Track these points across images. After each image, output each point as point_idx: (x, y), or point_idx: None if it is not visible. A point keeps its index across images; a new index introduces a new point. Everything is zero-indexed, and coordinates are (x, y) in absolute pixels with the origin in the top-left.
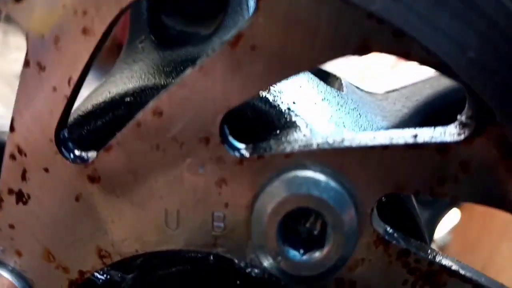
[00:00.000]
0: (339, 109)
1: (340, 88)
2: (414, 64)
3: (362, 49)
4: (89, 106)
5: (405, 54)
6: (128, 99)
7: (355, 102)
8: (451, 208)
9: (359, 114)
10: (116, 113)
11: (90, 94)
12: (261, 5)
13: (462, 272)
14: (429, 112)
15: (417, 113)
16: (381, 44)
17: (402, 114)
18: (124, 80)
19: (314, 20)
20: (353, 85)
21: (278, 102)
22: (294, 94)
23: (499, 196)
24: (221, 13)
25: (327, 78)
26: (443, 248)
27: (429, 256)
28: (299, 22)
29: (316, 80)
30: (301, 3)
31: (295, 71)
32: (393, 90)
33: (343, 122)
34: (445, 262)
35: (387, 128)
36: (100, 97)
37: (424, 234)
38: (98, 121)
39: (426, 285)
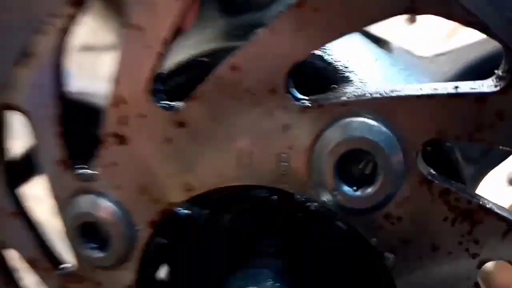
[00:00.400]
0: (390, 68)
1: (390, 51)
2: (468, 34)
3: (411, 9)
4: (172, 65)
5: (448, 14)
6: (205, 59)
7: (405, 64)
8: (495, 167)
9: (409, 74)
10: (196, 71)
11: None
12: None
13: (497, 211)
14: (475, 75)
15: (464, 75)
16: (426, 4)
17: (449, 76)
18: (200, 43)
19: None
20: (403, 49)
21: (335, 60)
22: (349, 53)
23: None
24: None
25: (377, 42)
26: None
27: (468, 196)
28: None
29: (368, 42)
30: None
31: (353, 28)
32: (441, 54)
33: (393, 79)
34: (483, 201)
35: None
36: (180, 57)
37: (464, 180)
38: (181, 78)
39: (465, 221)
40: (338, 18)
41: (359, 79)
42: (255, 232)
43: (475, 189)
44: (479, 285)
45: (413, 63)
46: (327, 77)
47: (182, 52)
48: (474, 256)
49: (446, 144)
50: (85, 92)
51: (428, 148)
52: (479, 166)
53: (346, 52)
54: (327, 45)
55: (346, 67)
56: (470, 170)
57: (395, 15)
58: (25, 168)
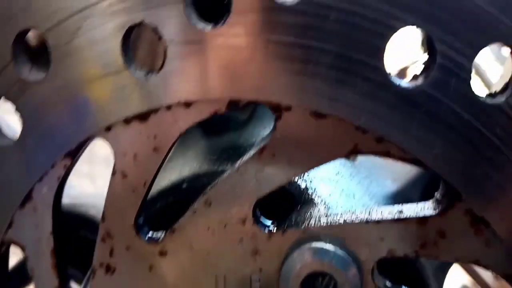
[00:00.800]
0: (351, 180)
1: (354, 158)
2: None
3: (354, 151)
4: (154, 191)
5: (387, 153)
6: (184, 185)
7: (368, 169)
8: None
9: (370, 181)
10: (176, 196)
11: None
12: (278, 125)
13: None
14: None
15: (425, 173)
16: (367, 147)
17: (411, 176)
18: (180, 167)
19: (315, 135)
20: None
21: (299, 182)
22: (312, 173)
23: (473, 255)
24: None
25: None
26: None
27: None
28: (305, 138)
29: None
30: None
31: (306, 169)
32: None
33: (353, 193)
34: None
35: (397, 191)
36: (162, 183)
37: (427, 282)
38: (163, 204)
39: None
40: (293, 161)
41: (320, 199)
42: None
43: (445, 275)
44: None
45: (377, 165)
46: (292, 197)
47: (164, 177)
48: None
49: None
50: (78, 203)
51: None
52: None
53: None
54: None
55: (308, 188)
56: (435, 263)
57: (340, 157)
58: None
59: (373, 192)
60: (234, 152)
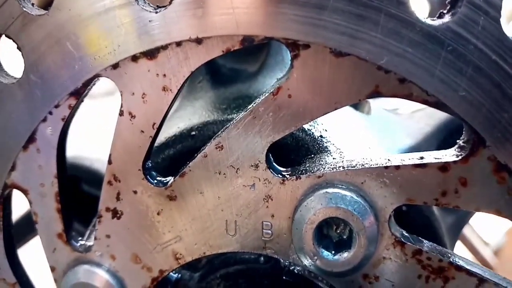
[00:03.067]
0: (366, 132)
1: (368, 111)
2: None
3: (375, 94)
4: (162, 138)
5: (408, 95)
6: (193, 133)
7: (381, 124)
8: (474, 214)
9: (384, 135)
10: (185, 144)
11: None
12: (295, 64)
13: (467, 267)
14: (449, 130)
15: (439, 130)
16: (389, 89)
17: (425, 132)
18: (189, 116)
19: (335, 75)
20: (382, 109)
21: (313, 130)
22: (326, 122)
23: (494, 204)
24: (263, 53)
25: (358, 105)
26: (498, 251)
27: (439, 255)
28: (324, 78)
29: (346, 107)
30: (323, 62)
31: (322, 114)
32: (418, 110)
33: (368, 145)
34: (453, 259)
35: (410, 145)
36: (170, 130)
37: (440, 236)
38: (171, 150)
39: (438, 278)
40: (310, 103)
41: (335, 148)
42: None
43: (457, 237)
44: None
45: (390, 121)
46: (305, 147)
47: (172, 125)
48: None
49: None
50: (81, 156)
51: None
52: (459, 215)
53: (323, 120)
54: None
55: (322, 137)
56: (451, 219)
57: (362, 99)
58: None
59: (387, 145)
60: (244, 102)
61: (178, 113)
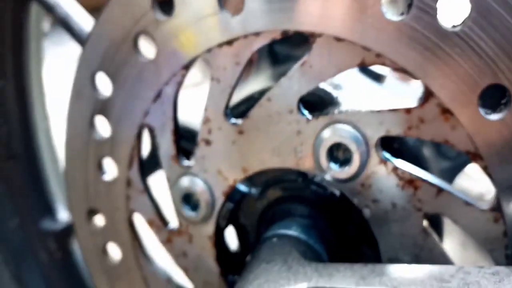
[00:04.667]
0: (372, 93)
1: (383, 81)
2: None
3: (361, 63)
4: (238, 99)
5: (383, 63)
6: (256, 95)
7: (390, 90)
8: (467, 164)
9: (390, 98)
10: (252, 102)
11: (240, 90)
12: (313, 47)
13: (429, 179)
14: None
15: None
16: (370, 60)
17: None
18: (254, 84)
19: (337, 52)
20: (394, 80)
21: (330, 90)
22: (343, 85)
23: (443, 136)
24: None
25: (377, 77)
26: None
27: (410, 170)
28: (330, 54)
29: (363, 76)
30: (329, 45)
31: (331, 75)
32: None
33: (370, 99)
34: (420, 174)
35: None
36: (244, 92)
37: (427, 166)
38: (243, 107)
39: (410, 187)
40: (323, 69)
41: (343, 100)
42: (289, 201)
43: (453, 178)
44: (429, 229)
45: (399, 88)
46: (326, 101)
47: (244, 91)
48: (419, 210)
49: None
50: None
51: (394, 145)
52: (455, 162)
53: (341, 84)
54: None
55: (337, 96)
56: (447, 164)
57: (354, 66)
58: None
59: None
60: None
61: (248, 82)
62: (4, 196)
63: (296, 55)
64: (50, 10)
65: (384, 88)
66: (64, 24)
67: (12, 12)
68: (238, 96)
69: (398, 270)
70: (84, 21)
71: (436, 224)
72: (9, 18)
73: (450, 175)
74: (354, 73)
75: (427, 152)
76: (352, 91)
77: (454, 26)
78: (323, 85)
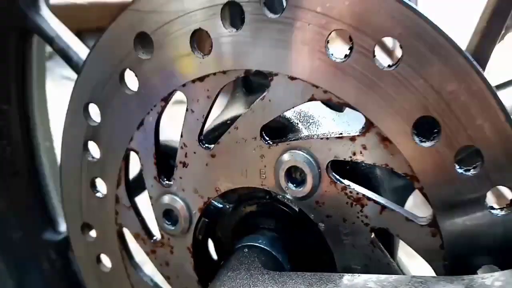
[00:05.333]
0: (331, 121)
1: (343, 110)
2: None
3: (312, 98)
4: (212, 126)
5: (329, 99)
6: (228, 121)
7: (346, 119)
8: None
9: (341, 126)
10: (224, 128)
11: (215, 118)
12: (271, 83)
13: (375, 198)
14: None
15: None
16: (319, 96)
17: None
18: (228, 113)
19: (290, 89)
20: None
21: (292, 118)
22: (303, 115)
23: (384, 160)
24: None
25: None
26: None
27: (357, 190)
28: (285, 90)
29: (324, 108)
30: (284, 84)
31: (289, 107)
32: None
33: (328, 129)
34: (366, 193)
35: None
36: (219, 119)
37: (377, 187)
38: (216, 132)
39: (357, 204)
40: (282, 102)
41: (304, 129)
42: (258, 215)
43: (407, 197)
44: (376, 241)
45: (354, 116)
46: (288, 127)
47: (220, 118)
48: (366, 224)
49: (364, 165)
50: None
51: (347, 167)
52: (406, 181)
53: (301, 114)
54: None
55: (297, 123)
56: (399, 183)
57: (305, 101)
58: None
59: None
60: None
61: (224, 111)
62: (9, 210)
63: (267, 86)
64: (50, 42)
65: (342, 116)
66: (62, 55)
67: (16, 44)
68: (215, 122)
69: (342, 278)
70: (81, 52)
71: (389, 239)
72: (13, 50)
73: (402, 194)
74: (317, 104)
75: (379, 172)
76: (312, 119)
77: (389, 66)
78: (288, 114)
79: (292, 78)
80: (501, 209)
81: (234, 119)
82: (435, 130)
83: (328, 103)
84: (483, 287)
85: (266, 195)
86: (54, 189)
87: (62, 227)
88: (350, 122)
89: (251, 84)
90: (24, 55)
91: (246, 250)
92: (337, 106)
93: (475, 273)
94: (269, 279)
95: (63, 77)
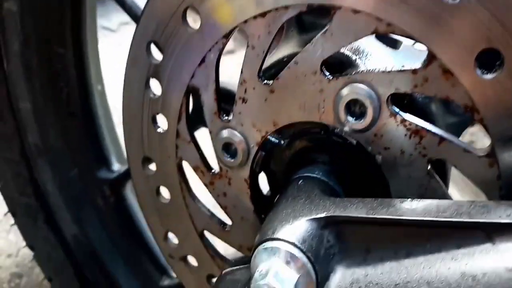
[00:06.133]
0: (386, 56)
1: (398, 46)
2: None
3: (375, 31)
4: (270, 63)
5: (393, 32)
6: (285, 59)
7: (403, 54)
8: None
9: (400, 61)
10: (281, 66)
11: (271, 55)
12: (334, 17)
13: (433, 130)
14: None
15: None
16: (382, 29)
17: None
18: (285, 49)
19: (354, 21)
20: (409, 46)
21: (350, 54)
22: (360, 50)
23: (444, 92)
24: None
25: (395, 42)
26: None
27: (416, 122)
28: (350, 23)
29: (379, 44)
30: (349, 16)
31: (350, 41)
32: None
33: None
34: (425, 125)
35: None
36: (275, 57)
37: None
38: (274, 69)
39: (416, 136)
40: (343, 35)
41: (362, 64)
42: (313, 150)
43: (460, 134)
44: (433, 172)
45: (409, 51)
46: (346, 63)
47: (275, 56)
48: (424, 156)
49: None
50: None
51: (405, 101)
52: (461, 118)
53: (360, 49)
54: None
55: (355, 59)
56: (453, 119)
57: (368, 34)
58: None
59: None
60: None
61: (278, 50)
62: (65, 149)
63: (320, 24)
64: None
65: (398, 53)
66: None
67: None
68: (270, 60)
69: (402, 203)
70: None
71: (443, 172)
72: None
73: (456, 130)
74: (372, 40)
75: (435, 108)
76: (369, 55)
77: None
78: (344, 50)
79: (355, 12)
80: None
81: (290, 57)
82: (497, 63)
83: (385, 38)
84: None
85: (321, 130)
86: (107, 130)
87: (116, 166)
88: (407, 57)
89: (304, 23)
90: (79, 2)
91: (302, 181)
92: (393, 42)
93: None
94: (330, 204)
95: (102, 27)
